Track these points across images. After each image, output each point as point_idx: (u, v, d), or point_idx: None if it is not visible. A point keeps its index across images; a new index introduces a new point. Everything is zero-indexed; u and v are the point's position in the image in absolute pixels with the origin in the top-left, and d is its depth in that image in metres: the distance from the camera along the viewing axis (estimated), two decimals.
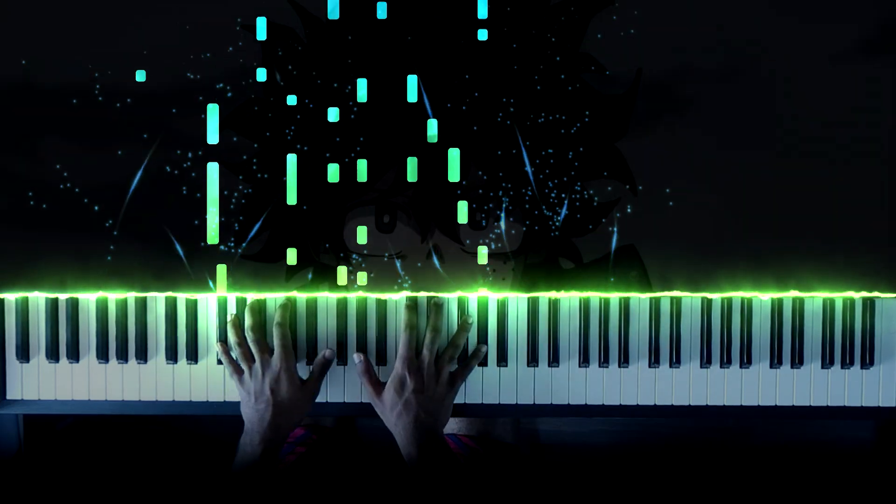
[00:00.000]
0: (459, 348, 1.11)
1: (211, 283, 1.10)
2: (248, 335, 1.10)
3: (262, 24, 1.09)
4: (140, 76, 1.08)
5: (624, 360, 1.13)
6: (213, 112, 1.09)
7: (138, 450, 1.61)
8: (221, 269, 1.10)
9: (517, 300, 1.13)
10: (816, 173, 1.10)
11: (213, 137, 1.09)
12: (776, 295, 1.12)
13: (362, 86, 1.09)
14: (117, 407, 1.14)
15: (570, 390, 1.14)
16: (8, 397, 1.14)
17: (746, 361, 1.13)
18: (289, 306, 1.11)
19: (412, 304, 1.11)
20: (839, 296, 1.12)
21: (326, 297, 1.13)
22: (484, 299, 1.13)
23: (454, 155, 1.09)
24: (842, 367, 1.13)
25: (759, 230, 1.10)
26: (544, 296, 1.13)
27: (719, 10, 1.09)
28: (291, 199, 1.10)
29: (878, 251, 1.11)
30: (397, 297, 1.12)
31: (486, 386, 1.14)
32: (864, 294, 1.12)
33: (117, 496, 1.50)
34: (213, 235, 1.10)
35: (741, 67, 1.09)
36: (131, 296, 1.12)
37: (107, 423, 1.60)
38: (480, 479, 1.17)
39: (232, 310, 1.12)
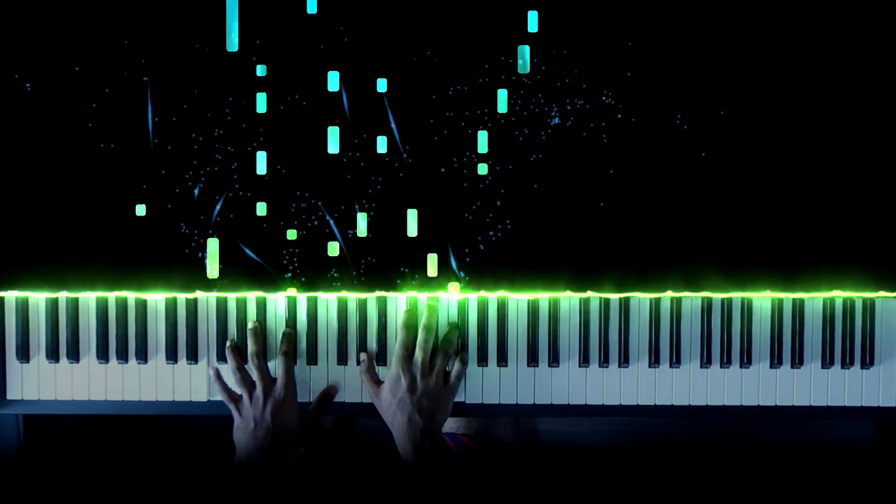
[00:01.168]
0: (452, 344, 1.11)
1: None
2: (252, 360, 1.10)
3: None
4: None
5: (624, 360, 1.13)
6: None
7: (138, 450, 1.61)
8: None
9: (517, 300, 1.13)
10: (817, 173, 1.10)
11: None
12: (776, 295, 1.12)
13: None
14: (117, 407, 1.14)
15: (570, 390, 1.14)
16: (8, 397, 1.14)
17: (746, 361, 1.13)
18: (293, 335, 1.11)
19: (411, 307, 1.11)
20: (839, 296, 1.12)
21: (327, 298, 1.13)
22: (484, 299, 1.13)
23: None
24: (842, 368, 1.13)
25: (759, 230, 1.10)
26: (544, 296, 1.13)
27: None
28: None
29: (879, 251, 1.11)
30: (397, 296, 1.12)
31: (486, 386, 1.14)
32: (864, 294, 1.12)
33: (117, 496, 1.49)
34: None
35: (751, 66, 1.09)
36: (131, 296, 1.12)
37: (107, 423, 1.60)
38: (477, 477, 1.17)
39: (232, 310, 1.12)
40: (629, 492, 1.63)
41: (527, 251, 1.11)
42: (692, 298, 1.13)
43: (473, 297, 1.13)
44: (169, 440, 1.63)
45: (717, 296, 1.12)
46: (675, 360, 1.13)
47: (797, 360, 1.13)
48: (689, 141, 1.10)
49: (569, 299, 1.13)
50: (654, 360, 1.13)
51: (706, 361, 1.13)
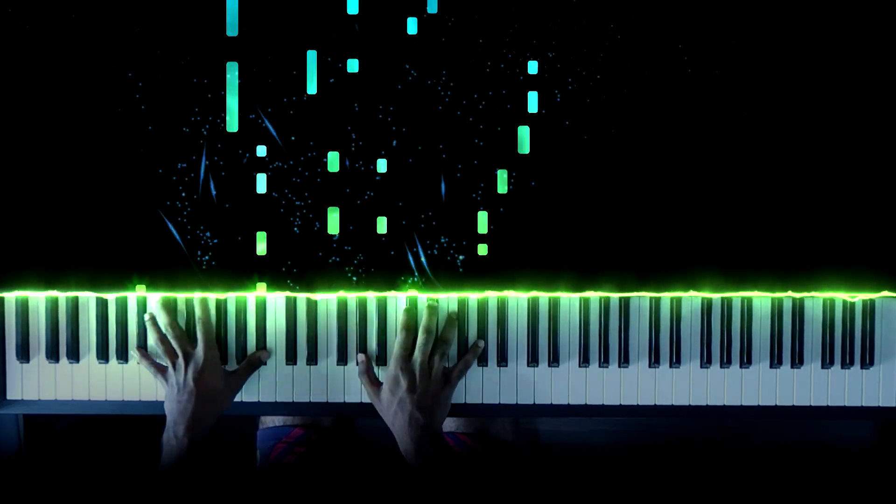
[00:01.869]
0: (449, 343, 1.11)
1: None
2: (168, 331, 1.10)
3: None
4: None
5: (624, 360, 1.13)
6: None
7: (138, 450, 1.61)
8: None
9: (517, 300, 1.13)
10: (817, 173, 1.10)
11: None
12: (776, 295, 1.12)
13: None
14: (117, 407, 1.14)
15: (570, 390, 1.14)
16: (8, 397, 1.14)
17: (746, 361, 1.13)
18: (206, 302, 1.11)
19: (411, 308, 1.11)
20: (839, 296, 1.12)
21: (327, 299, 1.12)
22: (484, 299, 1.13)
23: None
24: (842, 368, 1.13)
25: (759, 230, 1.10)
26: (544, 296, 1.13)
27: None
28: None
29: (879, 251, 1.11)
30: (398, 295, 1.12)
31: (486, 386, 1.14)
32: (864, 294, 1.12)
33: (117, 496, 1.49)
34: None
35: (745, 64, 1.09)
36: (131, 295, 1.12)
37: (107, 423, 1.60)
38: (478, 477, 1.17)
39: (232, 308, 1.12)
40: (629, 492, 1.63)
41: (527, 251, 1.11)
42: (692, 298, 1.13)
43: (474, 296, 1.13)
44: None
45: (717, 296, 1.12)
46: (675, 360, 1.13)
47: (797, 360, 1.13)
48: (689, 141, 1.10)
49: (569, 299, 1.13)
50: (654, 360, 1.13)
51: (706, 361, 1.13)
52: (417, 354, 1.09)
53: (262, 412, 1.17)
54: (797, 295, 1.12)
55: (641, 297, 1.13)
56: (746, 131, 1.10)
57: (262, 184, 1.09)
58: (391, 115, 1.09)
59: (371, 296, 1.12)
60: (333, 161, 1.09)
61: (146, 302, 1.12)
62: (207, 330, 1.10)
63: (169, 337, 1.10)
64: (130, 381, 1.14)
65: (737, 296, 1.12)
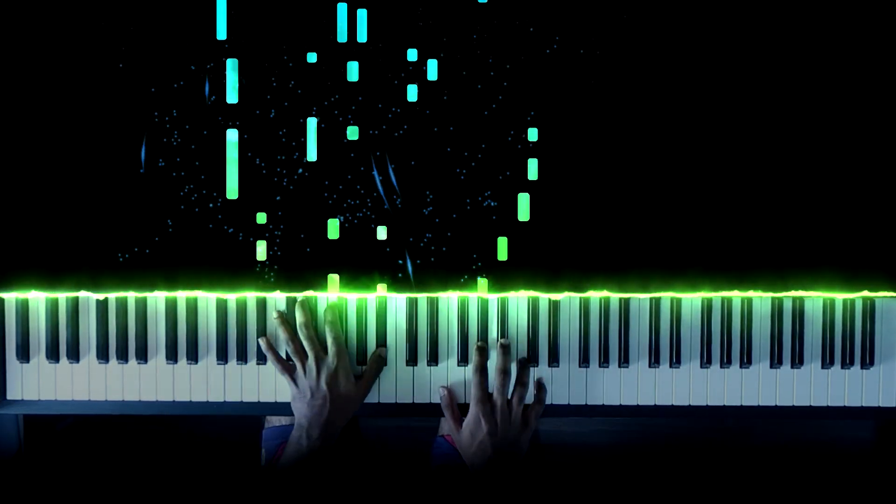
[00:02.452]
0: (527, 386, 1.11)
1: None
2: (302, 331, 1.10)
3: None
4: None
5: (624, 360, 1.13)
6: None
7: (138, 450, 1.61)
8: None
9: (517, 300, 1.13)
10: (817, 173, 1.10)
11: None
12: (776, 295, 1.12)
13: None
14: (117, 407, 1.14)
15: (570, 390, 1.14)
16: (8, 397, 1.14)
17: (746, 361, 1.13)
18: (336, 307, 1.12)
19: (482, 346, 1.11)
20: (839, 296, 1.12)
21: (327, 298, 1.12)
22: (484, 300, 1.13)
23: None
24: (842, 368, 1.13)
25: (759, 230, 1.10)
26: (544, 296, 1.13)
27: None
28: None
29: (878, 251, 1.11)
30: (396, 296, 1.12)
31: None
32: (864, 294, 1.12)
33: (117, 496, 1.49)
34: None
35: (747, 64, 1.09)
36: (131, 296, 1.12)
37: (107, 423, 1.60)
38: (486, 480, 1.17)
39: (232, 309, 1.12)
40: (629, 492, 1.63)
41: (527, 251, 1.11)
42: (692, 298, 1.13)
43: (474, 296, 1.13)
44: (169, 440, 1.63)
45: (717, 296, 1.12)
46: (675, 361, 1.13)
47: (797, 360, 1.13)
48: (689, 143, 1.10)
49: (569, 299, 1.13)
50: (654, 361, 1.13)
51: (706, 361, 1.13)
52: (497, 397, 1.09)
53: (269, 412, 1.17)
54: (797, 295, 1.12)
55: (641, 298, 1.13)
56: (745, 133, 1.10)
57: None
58: (391, 179, 1.10)
59: (371, 297, 1.12)
60: (333, 228, 1.10)
61: (146, 301, 1.12)
62: (337, 335, 1.10)
63: (301, 337, 1.10)
64: (130, 381, 1.14)
65: (737, 296, 1.12)
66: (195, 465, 1.61)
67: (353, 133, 1.09)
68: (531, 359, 1.13)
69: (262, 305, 1.13)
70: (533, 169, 1.10)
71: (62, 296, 1.12)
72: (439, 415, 1.14)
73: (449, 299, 1.13)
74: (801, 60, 1.10)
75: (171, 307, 1.13)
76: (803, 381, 1.14)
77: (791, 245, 1.11)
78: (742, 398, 1.14)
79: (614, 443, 1.65)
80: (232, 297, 1.12)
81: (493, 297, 1.13)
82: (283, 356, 1.12)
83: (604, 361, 1.13)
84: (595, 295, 1.12)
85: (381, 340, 1.13)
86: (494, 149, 1.10)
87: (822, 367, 1.13)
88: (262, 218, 1.10)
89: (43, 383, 1.14)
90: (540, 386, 1.13)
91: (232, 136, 1.09)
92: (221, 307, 1.12)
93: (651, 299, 1.13)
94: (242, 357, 1.13)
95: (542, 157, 1.10)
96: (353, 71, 1.09)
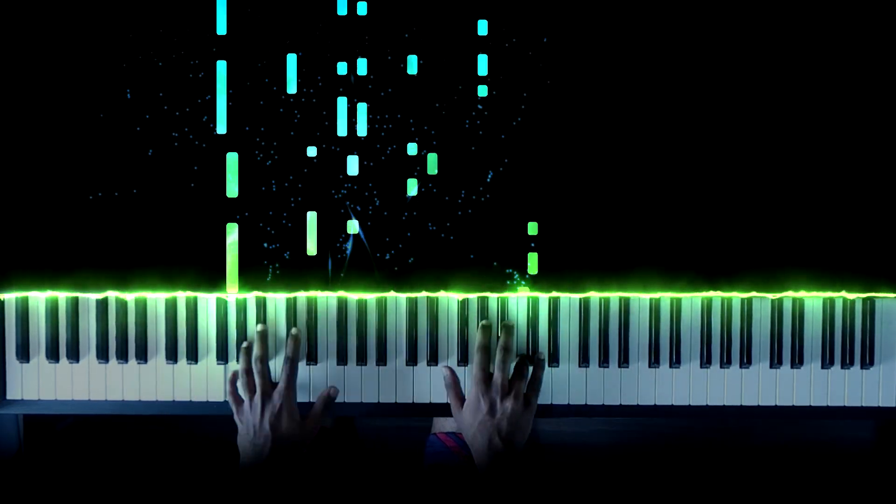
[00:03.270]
0: (527, 366, 1.10)
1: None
2: (255, 365, 1.09)
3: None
4: None
5: (624, 360, 1.13)
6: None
7: (138, 450, 1.61)
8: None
9: (517, 300, 1.13)
10: (817, 173, 1.10)
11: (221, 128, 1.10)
12: (776, 295, 1.12)
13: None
14: (117, 407, 1.14)
15: (570, 390, 1.14)
16: (8, 397, 1.14)
17: (746, 361, 1.13)
18: (299, 338, 1.11)
19: (487, 325, 1.11)
20: (839, 296, 1.12)
21: (326, 297, 1.13)
22: (484, 299, 1.13)
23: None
24: (842, 368, 1.13)
25: (759, 230, 1.10)
26: (544, 296, 1.13)
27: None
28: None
29: (878, 251, 1.11)
30: (397, 296, 1.13)
31: None
32: (864, 294, 1.12)
33: (117, 496, 1.49)
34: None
35: (745, 66, 1.09)
36: (131, 296, 1.12)
37: (107, 423, 1.60)
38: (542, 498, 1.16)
39: (232, 310, 1.12)
40: (629, 492, 1.63)
41: (526, 251, 1.11)
42: (692, 298, 1.13)
43: (473, 296, 1.13)
44: (169, 440, 1.63)
45: (717, 296, 1.12)
46: (675, 360, 1.13)
47: (797, 360, 1.13)
48: (688, 142, 1.10)
49: (569, 299, 1.13)
50: (654, 361, 1.13)
51: (706, 361, 1.13)
52: (497, 375, 1.08)
53: None
54: (797, 295, 1.12)
55: (641, 297, 1.13)
56: (745, 134, 1.10)
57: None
58: (394, 268, 1.11)
59: (371, 297, 1.12)
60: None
61: (146, 301, 1.12)
62: (292, 370, 1.09)
63: (255, 370, 1.09)
64: (130, 381, 1.14)
65: (737, 296, 1.12)
66: (195, 465, 1.60)
67: (352, 227, 1.09)
68: (530, 358, 1.13)
69: (262, 305, 1.13)
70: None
71: (62, 296, 1.12)
72: (439, 415, 1.13)
73: (449, 299, 1.13)
74: (801, 64, 1.10)
75: (171, 307, 1.13)
76: (803, 381, 1.14)
77: (791, 245, 1.11)
78: (742, 398, 1.14)
79: (614, 443, 1.65)
80: (232, 297, 1.12)
81: (494, 297, 1.13)
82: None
83: (604, 361, 1.13)
84: (595, 295, 1.12)
85: (382, 340, 1.13)
86: (497, 241, 1.11)
87: (822, 367, 1.13)
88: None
89: (43, 383, 1.14)
90: (538, 363, 1.11)
91: (232, 231, 1.10)
92: (221, 307, 1.12)
93: (651, 299, 1.13)
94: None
95: (543, 157, 1.10)
96: (352, 165, 1.09)
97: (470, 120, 1.09)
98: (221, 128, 1.09)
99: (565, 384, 1.14)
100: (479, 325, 1.10)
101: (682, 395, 1.14)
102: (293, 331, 1.11)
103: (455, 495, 1.04)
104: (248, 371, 1.09)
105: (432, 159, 1.09)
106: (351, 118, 1.09)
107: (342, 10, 1.08)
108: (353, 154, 1.09)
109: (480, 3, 1.08)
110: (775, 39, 1.09)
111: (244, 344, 1.11)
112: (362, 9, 1.08)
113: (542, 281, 1.11)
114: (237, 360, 1.12)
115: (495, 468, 1.04)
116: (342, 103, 1.09)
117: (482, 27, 1.08)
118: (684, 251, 1.10)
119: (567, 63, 1.09)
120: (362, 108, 1.09)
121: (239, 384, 1.10)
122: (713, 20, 1.09)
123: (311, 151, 1.09)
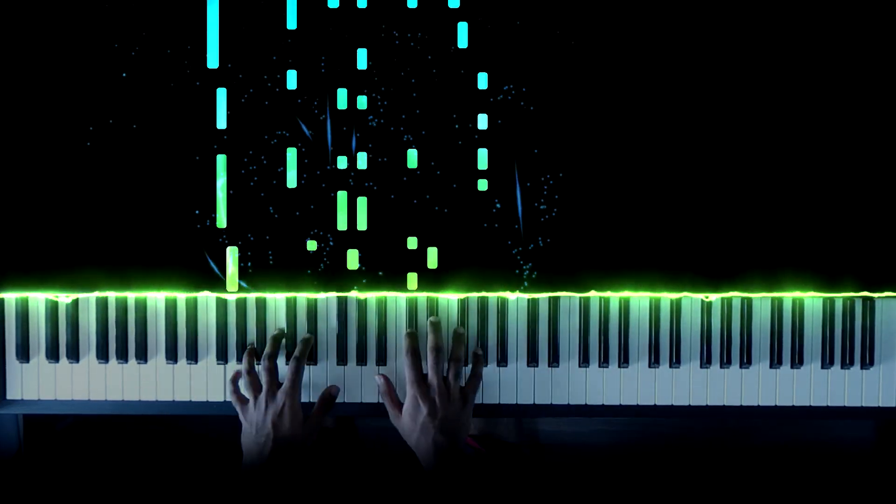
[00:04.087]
0: (461, 362, 1.10)
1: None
2: (263, 362, 1.09)
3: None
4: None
5: (624, 360, 1.13)
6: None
7: (138, 450, 1.61)
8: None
9: (517, 300, 1.13)
10: (817, 172, 1.10)
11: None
12: (776, 295, 1.12)
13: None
14: (117, 407, 1.14)
15: (570, 390, 1.14)
16: (8, 397, 1.14)
17: (746, 361, 1.13)
18: (310, 342, 1.11)
19: (411, 332, 1.11)
20: (839, 296, 1.12)
21: (326, 297, 1.13)
22: (484, 299, 1.13)
23: None
24: (842, 368, 1.13)
25: (760, 230, 1.10)
26: (544, 296, 1.13)
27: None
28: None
29: (878, 251, 1.11)
30: (397, 296, 1.13)
31: (486, 386, 1.14)
32: (864, 294, 1.12)
33: (117, 496, 1.49)
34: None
35: (742, 66, 1.09)
36: (131, 296, 1.12)
37: (107, 423, 1.60)
38: (498, 492, 1.16)
39: (232, 310, 1.12)
40: (629, 492, 1.63)
41: (526, 251, 1.11)
42: (692, 298, 1.13)
43: (473, 296, 1.13)
44: (169, 440, 1.63)
45: (717, 296, 1.12)
46: (675, 360, 1.13)
47: (797, 360, 1.13)
48: (688, 142, 1.10)
49: (569, 299, 1.13)
50: (654, 360, 1.13)
51: (706, 361, 1.13)
52: (432, 376, 1.08)
53: None
54: (797, 295, 1.12)
55: (641, 297, 1.13)
56: (745, 134, 1.10)
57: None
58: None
59: (371, 295, 1.12)
60: None
61: (146, 301, 1.12)
62: (297, 371, 1.09)
63: (261, 368, 1.09)
64: (130, 381, 1.14)
65: (737, 296, 1.12)
66: (195, 465, 1.60)
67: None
68: (532, 359, 1.13)
69: (262, 305, 1.13)
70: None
71: (62, 296, 1.12)
72: None
73: (449, 299, 1.13)
74: (801, 63, 1.10)
75: (171, 307, 1.13)
76: (803, 381, 1.14)
77: (791, 245, 1.11)
78: (742, 398, 1.14)
79: (614, 443, 1.65)
80: (232, 297, 1.12)
81: (494, 297, 1.13)
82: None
83: (604, 361, 1.13)
84: (595, 295, 1.13)
85: (382, 340, 1.13)
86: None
87: (822, 367, 1.13)
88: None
89: (43, 383, 1.14)
90: (477, 358, 1.12)
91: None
92: (221, 307, 1.12)
93: (651, 299, 1.13)
94: (242, 357, 1.13)
95: (543, 156, 1.10)
96: (353, 259, 1.10)
97: (470, 215, 1.10)
98: (221, 222, 1.09)
99: (565, 384, 1.14)
100: (406, 333, 1.11)
101: (682, 395, 1.14)
102: (305, 335, 1.11)
103: (455, 495, 1.04)
104: (251, 371, 1.09)
105: (432, 253, 1.10)
106: (351, 212, 1.10)
107: (342, 104, 1.09)
108: (353, 248, 1.10)
109: (479, 98, 1.09)
110: (774, 39, 1.09)
111: (248, 347, 1.11)
112: (362, 102, 1.09)
113: (541, 281, 1.11)
114: (237, 361, 1.12)
115: (444, 465, 1.04)
116: (342, 197, 1.10)
117: (482, 121, 1.09)
118: (684, 251, 1.11)
119: (566, 65, 1.09)
120: (362, 202, 1.10)
121: (241, 383, 1.10)
122: (711, 25, 1.09)
123: (311, 246, 1.10)
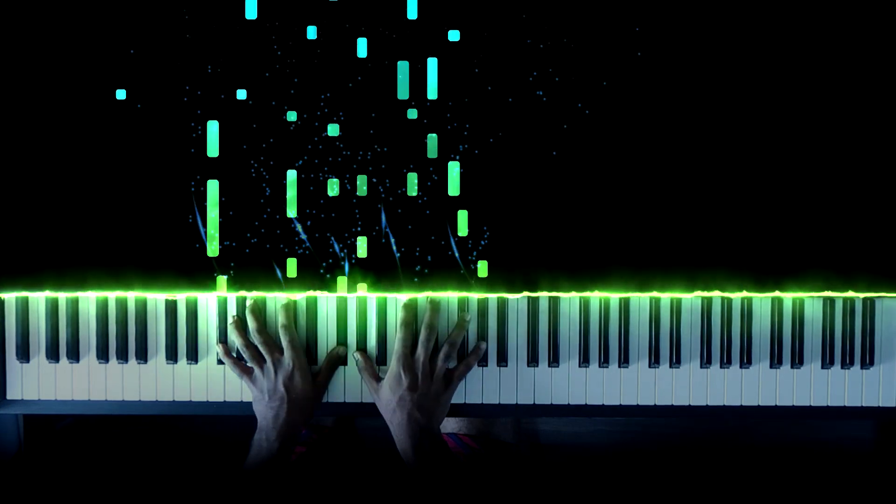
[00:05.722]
0: (456, 346, 1.11)
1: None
2: (255, 337, 1.10)
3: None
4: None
5: (624, 360, 1.13)
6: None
7: (138, 450, 1.61)
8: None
9: (517, 300, 1.13)
10: (817, 173, 1.10)
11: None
12: (776, 295, 1.12)
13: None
14: (117, 407, 1.14)
15: (570, 390, 1.14)
16: (8, 397, 1.14)
17: (746, 361, 1.13)
18: (291, 306, 1.11)
19: (410, 303, 1.11)
20: (839, 296, 1.12)
21: (326, 297, 1.13)
22: (484, 300, 1.13)
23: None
24: (842, 368, 1.13)
25: (760, 230, 1.10)
26: (544, 295, 1.13)
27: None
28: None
29: (879, 251, 1.11)
30: (398, 297, 1.12)
31: (486, 386, 1.14)
32: (864, 294, 1.12)
33: (117, 496, 1.49)
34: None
35: (744, 63, 1.09)
36: (131, 296, 1.12)
37: (107, 423, 1.60)
38: (476, 476, 1.17)
39: (232, 310, 1.12)
40: (629, 492, 1.63)
41: (526, 251, 1.11)
42: (692, 298, 1.13)
43: (474, 296, 1.13)
44: (169, 440, 1.63)
45: (717, 295, 1.12)
46: (675, 360, 1.13)
47: (797, 360, 1.13)
48: (687, 142, 1.10)
49: (569, 299, 1.13)
50: (654, 360, 1.13)
51: (706, 361, 1.13)
52: (420, 352, 1.09)
53: None
54: (797, 295, 1.12)
55: (641, 297, 1.13)
56: (744, 133, 1.10)
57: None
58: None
59: (372, 296, 1.12)
60: None
61: (146, 302, 1.12)
62: (292, 335, 1.10)
63: (256, 342, 1.10)
64: (130, 381, 1.14)
65: (737, 296, 1.12)
66: (195, 465, 1.61)
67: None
68: (532, 359, 1.13)
69: (262, 305, 1.13)
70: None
71: (62, 296, 1.12)
72: None
73: (448, 298, 1.13)
74: (800, 62, 1.10)
75: (171, 307, 1.13)
76: (803, 381, 1.14)
77: (791, 245, 1.11)
78: (742, 398, 1.14)
79: (614, 443, 1.65)
80: (232, 297, 1.12)
81: (493, 297, 1.13)
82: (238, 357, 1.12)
83: (604, 361, 1.13)
84: (595, 295, 1.13)
85: (382, 340, 1.13)
86: None
87: (822, 367, 1.13)
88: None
89: (43, 383, 1.14)
90: (477, 349, 1.12)
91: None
92: (222, 307, 1.12)
93: (651, 299, 1.13)
94: (242, 357, 1.13)
95: (544, 156, 1.10)
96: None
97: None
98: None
99: (565, 384, 1.14)
100: (404, 303, 1.11)
101: (682, 395, 1.14)
102: (284, 301, 1.11)
103: (450, 493, 1.04)
104: (249, 345, 1.10)
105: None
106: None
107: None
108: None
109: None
110: (773, 39, 1.09)
111: (230, 321, 1.12)
112: (361, 188, 1.10)
113: (540, 281, 1.11)
114: (239, 360, 1.12)
115: (421, 441, 1.05)
116: (342, 282, 1.11)
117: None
118: (685, 252, 1.10)
119: (566, 69, 1.09)
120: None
121: (245, 357, 1.11)
122: (711, 26, 1.09)
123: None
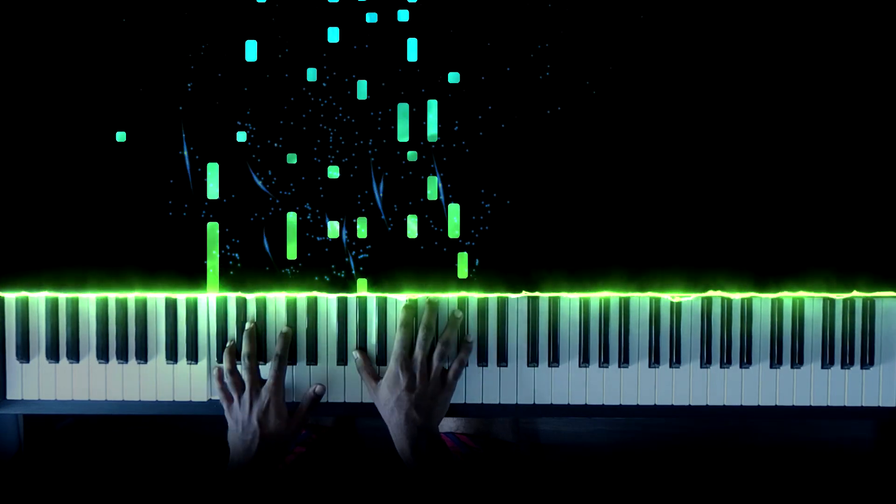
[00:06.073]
0: (450, 345, 1.11)
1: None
2: (244, 362, 1.10)
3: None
4: None
5: (624, 360, 1.13)
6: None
7: (138, 450, 1.61)
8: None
9: (517, 300, 1.13)
10: (817, 173, 1.10)
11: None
12: (776, 295, 1.12)
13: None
14: (117, 407, 1.14)
15: (570, 390, 1.14)
16: (8, 397, 1.14)
17: (746, 361, 1.13)
18: (289, 336, 1.11)
19: (410, 304, 1.11)
20: (839, 296, 1.12)
21: (327, 298, 1.13)
22: (484, 300, 1.13)
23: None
24: (842, 368, 1.13)
25: (760, 230, 1.10)
26: (544, 295, 1.13)
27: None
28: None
29: (879, 251, 1.11)
30: (398, 297, 1.12)
31: (486, 386, 1.14)
32: (864, 294, 1.12)
33: (117, 496, 1.50)
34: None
35: (748, 65, 1.09)
36: (131, 296, 1.12)
37: (107, 423, 1.60)
38: (474, 476, 1.17)
39: (232, 310, 1.12)
40: (629, 492, 1.63)
41: (526, 251, 1.11)
42: (692, 298, 1.13)
43: (474, 296, 1.13)
44: (169, 440, 1.63)
45: (717, 295, 1.12)
46: (675, 360, 1.13)
47: (797, 360, 1.13)
48: (687, 142, 1.10)
49: (569, 299, 1.13)
50: (654, 360, 1.13)
51: (706, 361, 1.13)
52: (417, 352, 1.09)
53: None
54: (797, 295, 1.12)
55: (641, 297, 1.13)
56: (744, 133, 1.10)
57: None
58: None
59: (371, 296, 1.12)
60: None
61: (146, 301, 1.12)
62: (280, 368, 1.09)
63: (243, 368, 1.10)
64: (130, 381, 1.14)
65: (736, 296, 1.12)
66: (195, 464, 1.61)
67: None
68: (532, 359, 1.13)
69: (262, 305, 1.13)
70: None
71: (62, 296, 1.12)
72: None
73: (449, 298, 1.13)
74: (800, 62, 1.10)
75: (171, 307, 1.13)
76: (803, 381, 1.14)
77: (791, 245, 1.11)
78: (742, 398, 1.14)
79: (614, 443, 1.65)
80: (232, 297, 1.12)
81: (493, 297, 1.13)
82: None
83: (604, 361, 1.13)
84: (595, 295, 1.13)
85: (382, 339, 1.13)
86: None
87: (822, 367, 1.13)
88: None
89: (43, 383, 1.14)
90: (466, 345, 1.12)
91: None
92: (222, 307, 1.12)
93: (651, 299, 1.13)
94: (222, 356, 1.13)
95: (544, 156, 1.10)
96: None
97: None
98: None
99: (565, 384, 1.14)
100: (404, 305, 1.11)
101: (682, 395, 1.14)
102: (283, 329, 1.11)
103: (448, 493, 1.04)
104: (233, 371, 1.10)
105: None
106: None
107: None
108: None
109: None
110: (772, 39, 1.09)
111: (228, 344, 1.11)
112: (361, 231, 1.10)
113: (540, 281, 1.11)
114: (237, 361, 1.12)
115: (418, 441, 1.05)
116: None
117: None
118: (685, 252, 1.10)
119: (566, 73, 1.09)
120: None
121: (227, 383, 1.10)
122: (712, 27, 1.09)
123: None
